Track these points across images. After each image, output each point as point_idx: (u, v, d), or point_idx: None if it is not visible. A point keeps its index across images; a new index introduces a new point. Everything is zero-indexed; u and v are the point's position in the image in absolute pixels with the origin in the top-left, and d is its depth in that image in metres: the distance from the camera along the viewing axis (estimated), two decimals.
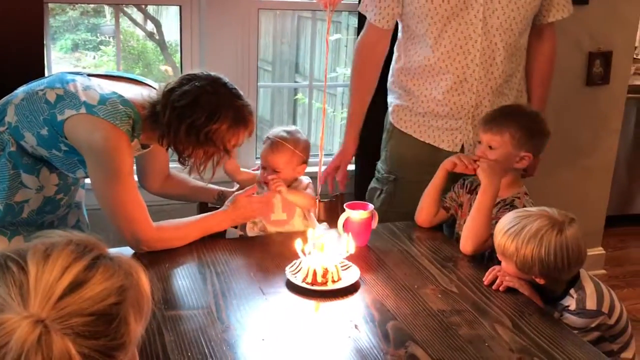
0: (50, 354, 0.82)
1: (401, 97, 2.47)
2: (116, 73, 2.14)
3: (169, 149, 1.96)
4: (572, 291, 1.80)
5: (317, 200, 2.32)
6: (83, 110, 1.88)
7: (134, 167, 2.02)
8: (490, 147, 2.10)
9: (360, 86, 2.53)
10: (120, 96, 1.93)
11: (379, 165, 2.60)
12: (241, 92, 1.96)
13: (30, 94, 1.97)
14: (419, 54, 2.37)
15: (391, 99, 2.53)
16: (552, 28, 2.49)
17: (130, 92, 1.99)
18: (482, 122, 2.17)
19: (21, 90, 2.02)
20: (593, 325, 1.77)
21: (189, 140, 1.88)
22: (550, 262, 1.74)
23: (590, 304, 1.78)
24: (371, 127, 2.59)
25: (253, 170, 2.38)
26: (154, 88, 2.05)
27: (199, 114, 1.86)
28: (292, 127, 2.28)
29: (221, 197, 2.31)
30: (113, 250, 1.00)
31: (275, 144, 2.19)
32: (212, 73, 1.95)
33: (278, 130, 2.23)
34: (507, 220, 1.83)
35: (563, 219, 1.78)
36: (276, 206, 2.21)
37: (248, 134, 1.96)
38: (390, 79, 2.52)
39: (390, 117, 2.52)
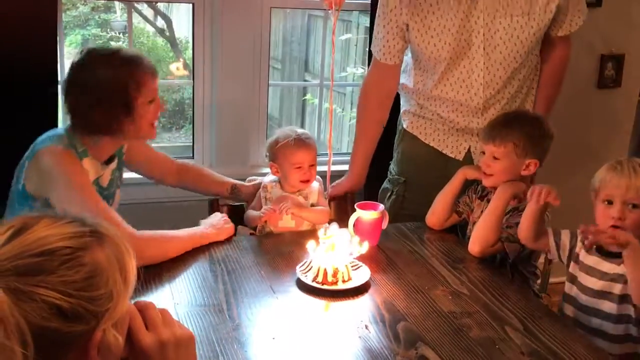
0: None
1: (409, 102, 2.48)
2: None
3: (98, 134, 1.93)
4: None
5: (326, 198, 2.33)
6: (26, 162, 1.92)
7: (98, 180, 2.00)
8: (494, 158, 2.09)
9: (366, 128, 2.49)
10: (62, 129, 1.98)
11: (391, 167, 2.59)
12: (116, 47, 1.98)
13: None
14: (424, 83, 2.37)
15: (402, 102, 2.53)
16: (567, 38, 2.44)
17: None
18: (483, 132, 2.15)
19: None
20: None
21: (83, 110, 1.89)
22: None
23: None
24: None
25: (249, 182, 2.40)
26: None
27: (79, 78, 1.90)
28: (289, 128, 2.28)
29: (234, 191, 2.33)
30: None
31: (306, 141, 2.20)
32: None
33: (287, 133, 2.22)
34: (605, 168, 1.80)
35: None
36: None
37: (147, 73, 1.92)
38: (400, 83, 2.51)
39: (401, 119, 2.52)
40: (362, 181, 2.54)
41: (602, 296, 1.79)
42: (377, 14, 2.35)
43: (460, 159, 2.38)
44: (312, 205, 2.25)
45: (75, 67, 1.92)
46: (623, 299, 1.77)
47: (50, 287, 0.82)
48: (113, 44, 6.12)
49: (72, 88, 1.92)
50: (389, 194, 2.55)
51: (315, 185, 2.27)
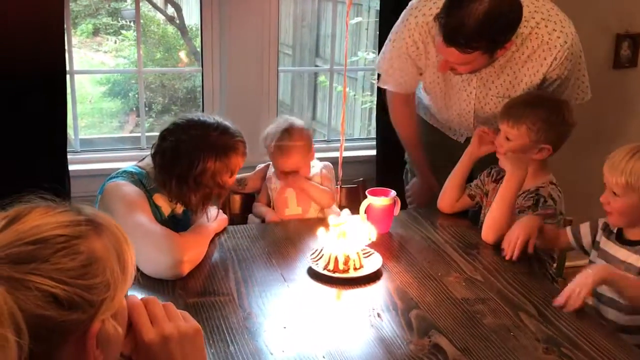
0: None
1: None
2: None
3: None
4: None
5: (339, 187, 2.31)
6: (98, 196, 1.93)
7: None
8: (507, 139, 2.05)
9: (406, 134, 2.47)
10: (132, 167, 1.98)
11: None
12: (218, 120, 1.95)
13: None
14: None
15: None
16: None
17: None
18: (502, 109, 2.10)
19: None
20: None
21: (183, 191, 1.90)
22: None
23: None
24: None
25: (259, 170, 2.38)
26: None
27: (181, 164, 1.88)
28: (283, 121, 2.22)
29: (241, 182, 2.33)
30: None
31: (286, 149, 2.16)
32: (188, 116, 1.96)
33: (273, 132, 2.18)
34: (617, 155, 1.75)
35: None
36: (290, 200, 2.22)
37: (240, 157, 1.95)
38: None
39: None
40: (432, 177, 2.51)
41: None
42: (390, 44, 2.27)
43: (462, 142, 2.38)
44: None
45: (171, 148, 1.90)
46: None
47: (45, 274, 0.81)
48: (124, 32, 6.13)
49: (167, 172, 1.90)
50: (405, 170, 2.61)
51: (318, 169, 2.25)
